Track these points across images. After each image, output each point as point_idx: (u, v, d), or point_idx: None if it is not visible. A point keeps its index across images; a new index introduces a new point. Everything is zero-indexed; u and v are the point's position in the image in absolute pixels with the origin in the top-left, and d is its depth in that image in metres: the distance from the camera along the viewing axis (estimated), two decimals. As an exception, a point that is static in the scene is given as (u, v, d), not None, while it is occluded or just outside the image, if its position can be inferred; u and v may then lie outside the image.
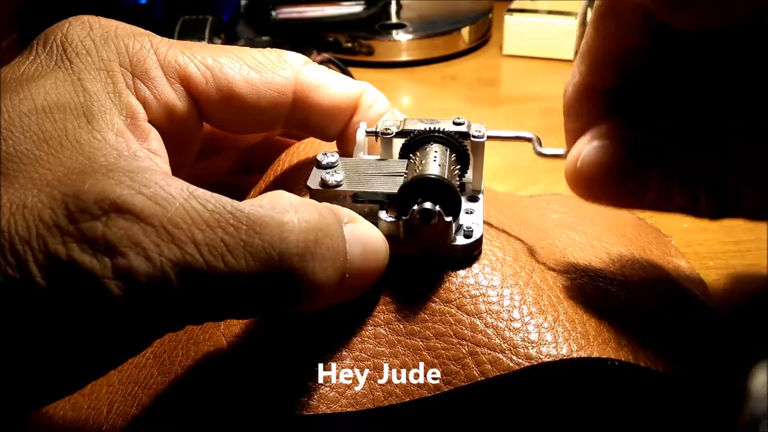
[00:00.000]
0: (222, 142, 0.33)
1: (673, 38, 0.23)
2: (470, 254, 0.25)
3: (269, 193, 0.21)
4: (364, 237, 0.23)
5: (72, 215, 0.19)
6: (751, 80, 0.23)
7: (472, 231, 0.25)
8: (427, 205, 0.23)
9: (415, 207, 0.23)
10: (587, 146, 0.24)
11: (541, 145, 0.27)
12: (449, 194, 0.24)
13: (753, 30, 0.22)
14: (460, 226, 0.25)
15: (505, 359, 0.23)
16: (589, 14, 0.26)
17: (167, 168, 0.24)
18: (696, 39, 0.23)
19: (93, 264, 0.18)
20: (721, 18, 0.22)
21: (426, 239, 0.24)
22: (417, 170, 0.25)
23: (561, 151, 0.26)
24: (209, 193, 0.20)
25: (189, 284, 0.19)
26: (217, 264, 0.19)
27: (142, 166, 0.20)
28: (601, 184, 0.24)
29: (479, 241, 0.25)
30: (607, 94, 0.25)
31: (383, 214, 0.25)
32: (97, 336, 0.19)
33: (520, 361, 0.23)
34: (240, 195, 0.33)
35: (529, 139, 0.27)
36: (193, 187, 0.20)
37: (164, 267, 0.19)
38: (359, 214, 0.24)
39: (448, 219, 0.24)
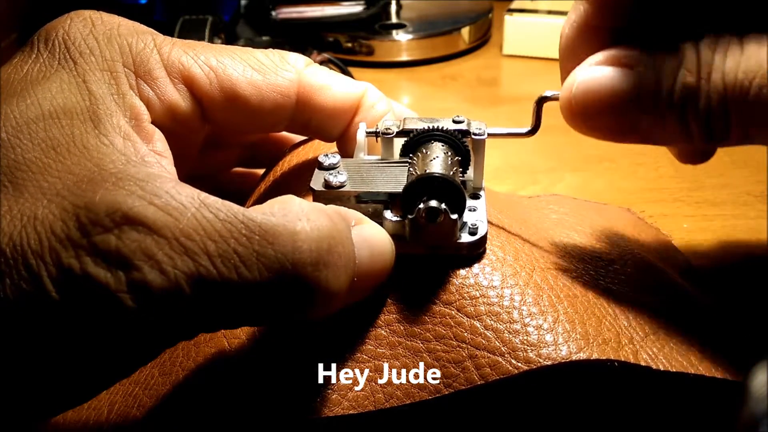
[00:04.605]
0: (226, 138, 0.33)
1: None
2: (475, 251, 0.25)
3: (279, 199, 0.21)
4: (372, 239, 0.23)
5: (84, 228, 0.19)
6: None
7: (476, 228, 0.25)
8: (433, 203, 0.23)
9: (421, 205, 0.23)
10: (581, 72, 0.24)
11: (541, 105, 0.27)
12: (454, 192, 0.24)
13: None
14: (464, 224, 0.25)
15: (504, 362, 0.23)
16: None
17: (173, 169, 0.24)
18: None
19: (107, 278, 0.18)
20: None
21: (432, 238, 0.24)
22: (419, 169, 0.25)
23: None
24: (220, 201, 0.20)
25: (202, 296, 0.19)
26: (231, 275, 0.19)
27: (152, 173, 0.20)
28: (595, 110, 0.24)
29: (484, 238, 0.25)
30: (608, 33, 0.25)
31: (388, 214, 0.25)
32: (109, 347, 0.19)
33: (520, 364, 0.23)
34: (241, 192, 0.33)
35: (528, 134, 0.27)
36: (203, 195, 0.20)
37: (178, 279, 0.18)
38: (364, 214, 0.24)
39: (454, 217, 0.24)
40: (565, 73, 0.26)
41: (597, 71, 0.24)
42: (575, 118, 0.25)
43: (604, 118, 0.24)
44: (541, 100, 0.27)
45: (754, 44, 0.21)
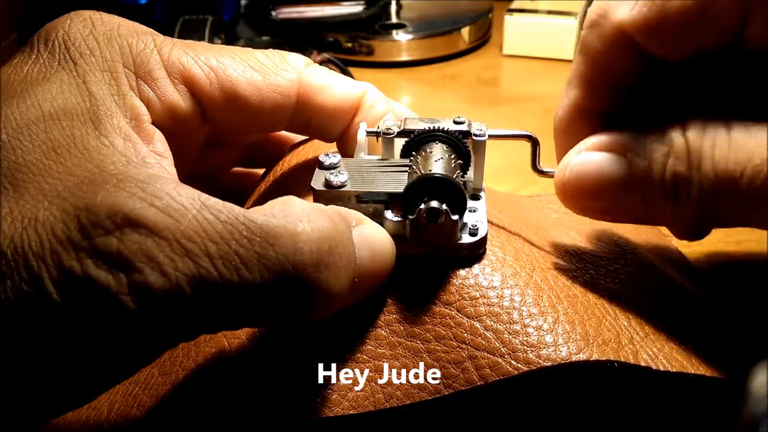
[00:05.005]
0: (226, 138, 0.33)
1: (661, 65, 0.23)
2: (476, 252, 0.25)
3: (280, 200, 0.21)
4: (372, 240, 0.23)
5: (85, 229, 0.19)
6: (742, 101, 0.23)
7: (477, 229, 0.25)
8: (434, 203, 0.23)
9: (422, 206, 0.23)
10: (574, 157, 0.25)
11: (538, 157, 0.28)
12: (455, 193, 0.24)
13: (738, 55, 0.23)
14: (464, 225, 0.25)
15: (504, 363, 0.23)
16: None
17: (173, 170, 0.24)
18: (683, 67, 0.23)
19: (109, 280, 0.18)
20: (696, 46, 0.22)
21: (432, 238, 0.24)
22: (421, 170, 0.25)
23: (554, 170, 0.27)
24: (221, 202, 0.20)
25: (203, 297, 0.19)
26: (232, 277, 0.19)
27: (153, 174, 0.20)
28: (586, 194, 0.25)
29: (484, 239, 0.25)
30: (599, 116, 0.25)
31: (389, 214, 0.25)
32: (110, 349, 0.19)
33: (519, 365, 0.23)
34: (241, 192, 0.33)
35: (529, 137, 0.27)
36: (204, 196, 0.20)
37: (179, 281, 0.18)
38: (364, 214, 0.24)
39: (455, 218, 0.24)
40: (560, 151, 0.27)
41: (588, 157, 0.24)
42: (568, 200, 0.26)
43: (595, 201, 0.25)
44: (536, 170, 0.28)
45: (740, 133, 0.22)
